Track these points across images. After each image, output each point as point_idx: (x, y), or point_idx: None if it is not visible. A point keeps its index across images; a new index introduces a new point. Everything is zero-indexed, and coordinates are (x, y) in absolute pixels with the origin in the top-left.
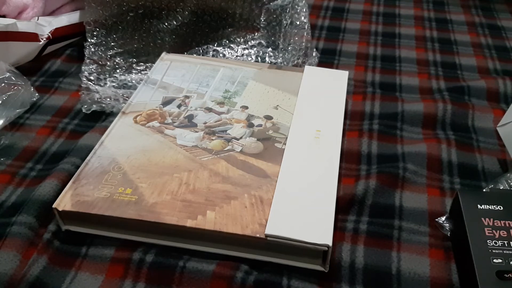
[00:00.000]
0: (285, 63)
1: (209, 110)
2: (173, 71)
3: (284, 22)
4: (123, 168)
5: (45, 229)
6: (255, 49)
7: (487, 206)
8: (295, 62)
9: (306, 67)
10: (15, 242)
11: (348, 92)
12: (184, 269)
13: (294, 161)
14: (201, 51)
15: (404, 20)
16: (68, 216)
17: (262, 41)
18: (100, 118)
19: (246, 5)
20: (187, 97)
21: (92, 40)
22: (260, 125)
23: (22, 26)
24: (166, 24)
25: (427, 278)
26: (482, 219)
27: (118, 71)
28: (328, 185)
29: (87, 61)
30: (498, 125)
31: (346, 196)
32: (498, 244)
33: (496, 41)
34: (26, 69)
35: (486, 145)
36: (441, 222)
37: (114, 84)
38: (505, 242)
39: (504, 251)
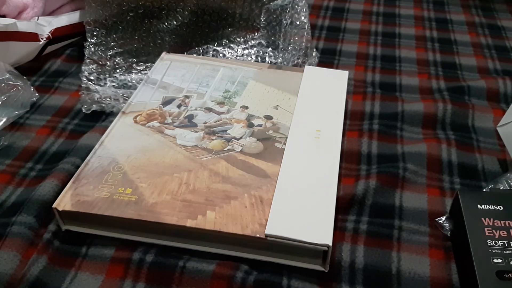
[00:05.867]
0: (285, 63)
1: (209, 110)
2: (173, 71)
3: (284, 22)
4: (123, 168)
5: (45, 229)
6: (255, 49)
7: (487, 206)
8: (295, 62)
9: (306, 67)
10: (15, 242)
11: (348, 92)
12: (184, 269)
13: (294, 161)
14: (201, 51)
15: (404, 20)
16: (68, 216)
17: (262, 41)
18: (100, 118)
19: (246, 5)
20: (187, 97)
21: (92, 40)
22: (260, 125)
23: (22, 26)
24: (166, 24)
25: (427, 278)
26: (482, 219)
27: (118, 71)
28: (328, 185)
29: (87, 61)
30: (498, 125)
31: (346, 196)
32: (498, 244)
33: (496, 41)
34: (26, 69)
35: (486, 145)
36: (441, 222)
37: (114, 84)
38: (505, 242)
39: (504, 251)
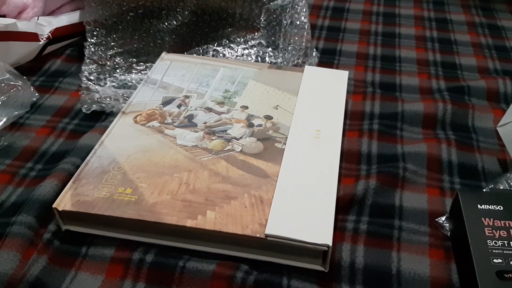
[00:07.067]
0: (285, 63)
1: (209, 110)
2: (173, 71)
3: (284, 22)
4: (123, 168)
5: (45, 229)
6: (255, 49)
7: (487, 206)
8: (295, 62)
9: (306, 67)
10: (15, 242)
11: (348, 92)
12: (184, 269)
13: (294, 161)
14: (201, 51)
15: (404, 20)
16: (68, 216)
17: (262, 41)
18: (100, 118)
19: (246, 5)
20: (187, 97)
21: (92, 40)
22: (260, 125)
23: (22, 26)
24: (166, 24)
25: (427, 278)
26: (482, 219)
27: (118, 71)
28: (328, 185)
29: (87, 61)
30: (498, 125)
31: (346, 196)
32: (498, 244)
33: (496, 41)
34: (26, 69)
35: (486, 145)
36: (441, 222)
37: (114, 84)
38: (505, 242)
39: (504, 251)
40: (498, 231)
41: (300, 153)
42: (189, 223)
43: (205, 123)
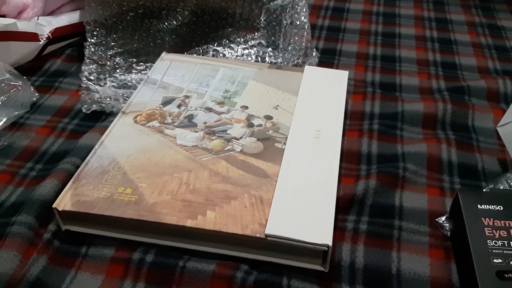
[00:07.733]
0: (285, 63)
1: (209, 110)
2: (173, 71)
3: (284, 22)
4: (123, 168)
5: (45, 229)
6: (255, 49)
7: (487, 206)
8: (295, 62)
9: (306, 67)
10: (15, 242)
11: (348, 92)
12: (184, 269)
13: (294, 161)
14: (201, 51)
15: (404, 20)
16: (68, 216)
17: (262, 41)
18: (100, 118)
19: (246, 5)
20: (187, 97)
21: (92, 40)
22: (260, 125)
23: (22, 26)
24: (166, 24)
25: (427, 278)
26: (482, 219)
27: (118, 71)
28: (328, 185)
29: (87, 61)
30: (498, 125)
31: (346, 196)
32: (498, 244)
33: (496, 41)
34: (26, 69)
35: (486, 145)
36: (441, 222)
37: (114, 84)
38: (505, 242)
39: (504, 251)
40: (498, 231)
41: (300, 153)
42: (189, 223)
43: (205, 123)
